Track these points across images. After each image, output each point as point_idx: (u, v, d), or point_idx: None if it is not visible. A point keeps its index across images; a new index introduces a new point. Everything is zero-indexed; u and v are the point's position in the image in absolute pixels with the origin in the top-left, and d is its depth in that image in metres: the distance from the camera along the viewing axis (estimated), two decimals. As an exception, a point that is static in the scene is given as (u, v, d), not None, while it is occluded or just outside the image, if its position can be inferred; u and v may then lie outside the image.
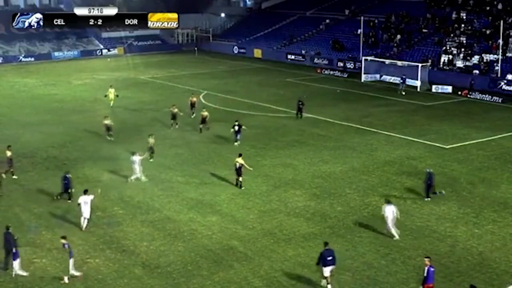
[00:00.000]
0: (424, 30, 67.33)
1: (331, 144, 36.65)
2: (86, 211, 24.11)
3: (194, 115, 42.50)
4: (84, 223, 24.28)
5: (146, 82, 61.58)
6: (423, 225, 24.59)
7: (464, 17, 65.50)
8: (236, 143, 35.63)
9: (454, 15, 66.31)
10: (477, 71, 56.33)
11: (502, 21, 56.44)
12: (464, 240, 23.21)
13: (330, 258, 19.51)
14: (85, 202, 24.11)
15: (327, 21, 79.67)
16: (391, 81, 59.16)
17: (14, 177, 30.40)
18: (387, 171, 31.41)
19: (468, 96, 52.19)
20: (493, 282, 20.01)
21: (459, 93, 53.07)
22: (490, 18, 63.11)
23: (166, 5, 76.85)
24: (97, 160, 33.56)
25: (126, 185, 29.13)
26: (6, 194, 28.28)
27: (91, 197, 24.41)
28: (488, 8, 65.05)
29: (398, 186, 29.27)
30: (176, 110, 39.57)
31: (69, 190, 27.18)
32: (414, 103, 49.82)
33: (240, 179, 28.64)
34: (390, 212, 23.26)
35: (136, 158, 29.28)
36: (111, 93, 46.43)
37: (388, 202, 23.73)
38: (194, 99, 43.87)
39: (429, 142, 36.86)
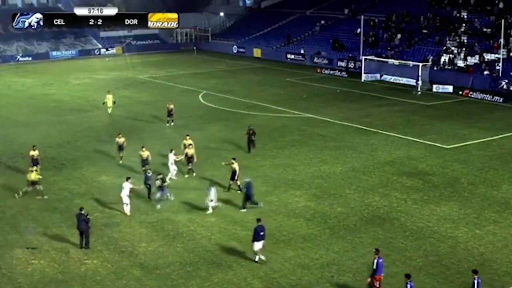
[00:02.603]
0: (424, 31, 66.93)
1: (331, 144, 36.47)
2: (123, 197, 25.41)
3: (173, 123, 40.86)
4: (125, 209, 25.55)
5: (144, 82, 61.38)
6: (424, 226, 24.44)
7: (465, 17, 65.27)
8: (158, 206, 26.44)
9: (455, 14, 66.06)
10: (488, 72, 55.77)
11: (503, 20, 56.18)
12: (465, 241, 23.04)
13: (262, 233, 21.15)
14: (123, 188, 25.34)
15: (322, 22, 79.30)
16: (391, 80, 59.00)
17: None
18: (387, 172, 31.23)
19: (469, 95, 52.01)
20: (494, 284, 19.86)
21: (460, 92, 52.87)
22: (491, 17, 62.84)
23: (165, 4, 76.66)
24: (95, 160, 33.38)
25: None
26: (3, 195, 28.07)
27: (130, 185, 25.41)
28: (489, 7, 64.82)
29: (399, 186, 29.09)
30: (123, 139, 32.85)
31: (148, 187, 27.30)
32: (415, 103, 49.64)
33: (238, 182, 28.14)
34: (212, 193, 25.62)
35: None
36: (109, 99, 44.11)
37: (211, 185, 26.38)
38: (171, 106, 41.16)
39: (429, 142, 36.67)
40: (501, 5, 63.98)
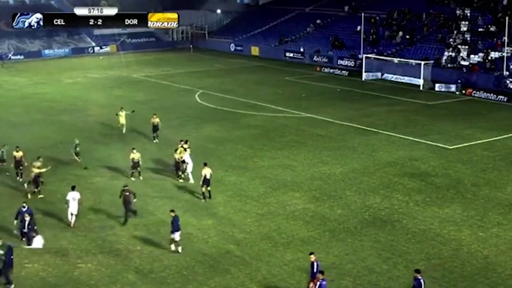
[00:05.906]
0: (425, 31, 66.46)
1: (331, 145, 36.10)
2: (73, 207, 24.29)
3: (157, 140, 36.49)
4: (72, 219, 24.29)
5: (139, 81, 60.89)
6: (426, 228, 24.11)
7: (468, 14, 64.83)
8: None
9: (457, 12, 65.62)
10: (500, 72, 55.14)
11: (507, 18, 55.62)
12: (468, 243, 22.76)
13: (179, 222, 21.98)
14: (73, 198, 24.35)
15: (318, 21, 78.92)
16: (392, 79, 58.61)
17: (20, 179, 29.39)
18: (388, 173, 30.87)
19: (473, 95, 51.54)
20: (498, 287, 19.66)
21: (463, 91, 52.45)
22: (496, 15, 62.31)
23: (162, 2, 76.28)
24: (89, 161, 32.84)
25: (119, 187, 28.36)
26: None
27: (79, 194, 24.52)
28: (492, 4, 64.45)
29: (400, 188, 28.73)
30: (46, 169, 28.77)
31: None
32: (416, 102, 49.29)
33: (209, 188, 27.23)
34: (39, 241, 22.65)
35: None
36: (122, 116, 38.66)
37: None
38: (157, 120, 36.49)
39: (432, 143, 36.30)
40: (505, 2, 63.51)
